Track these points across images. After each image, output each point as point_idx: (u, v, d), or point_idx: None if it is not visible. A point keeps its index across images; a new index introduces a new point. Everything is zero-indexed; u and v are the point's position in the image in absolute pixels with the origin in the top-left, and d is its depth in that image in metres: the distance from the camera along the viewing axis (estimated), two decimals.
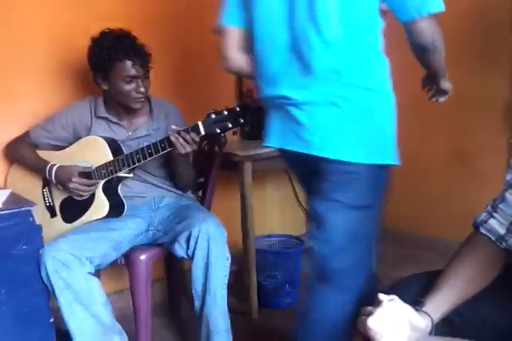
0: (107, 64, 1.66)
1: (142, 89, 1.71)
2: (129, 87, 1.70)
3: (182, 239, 1.63)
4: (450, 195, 2.70)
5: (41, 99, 2.00)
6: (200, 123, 1.57)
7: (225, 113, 1.54)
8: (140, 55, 1.68)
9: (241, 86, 2.56)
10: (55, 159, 1.78)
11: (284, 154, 1.41)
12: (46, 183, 1.82)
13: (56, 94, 2.03)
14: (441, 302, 0.92)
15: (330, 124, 1.24)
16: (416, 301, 0.92)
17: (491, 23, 2.38)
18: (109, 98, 1.79)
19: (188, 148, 1.59)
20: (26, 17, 1.94)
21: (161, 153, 1.62)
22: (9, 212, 1.46)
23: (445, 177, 2.74)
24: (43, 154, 1.82)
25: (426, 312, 0.89)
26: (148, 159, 1.64)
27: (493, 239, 1.01)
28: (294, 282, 2.30)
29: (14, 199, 1.62)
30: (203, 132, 1.57)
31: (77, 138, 1.81)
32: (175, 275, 2.19)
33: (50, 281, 1.48)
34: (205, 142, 2.00)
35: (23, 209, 1.48)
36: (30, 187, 1.83)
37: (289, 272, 2.28)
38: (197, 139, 1.59)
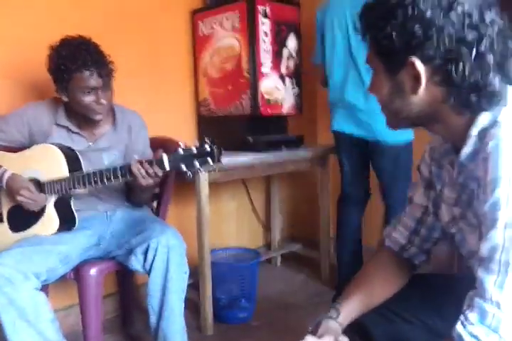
0: (65, 74, 1.57)
1: (103, 101, 1.62)
2: (88, 99, 1.61)
3: (139, 251, 1.58)
4: None
5: None
6: (165, 158, 1.46)
7: (194, 150, 1.44)
8: (98, 64, 1.59)
9: (197, 95, 2.54)
10: (7, 162, 1.67)
11: (347, 137, 2.23)
12: None
13: (9, 96, 1.94)
14: (350, 310, 1.03)
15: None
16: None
17: None
18: (70, 108, 1.71)
19: (150, 181, 1.51)
20: None
21: (120, 180, 1.54)
22: None
23: None
24: None
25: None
26: (106, 184, 1.56)
27: (396, 250, 1.11)
28: (250, 296, 2.28)
29: None
30: (167, 167, 1.46)
31: (32, 141, 1.71)
32: (127, 289, 2.12)
33: None
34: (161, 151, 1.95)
35: None
36: None
37: (245, 286, 2.25)
38: (160, 174, 1.50)
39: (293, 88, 2.41)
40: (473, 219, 0.86)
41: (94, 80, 1.59)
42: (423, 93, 0.81)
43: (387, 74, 0.84)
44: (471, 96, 0.78)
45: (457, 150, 0.87)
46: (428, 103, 0.82)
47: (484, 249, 0.77)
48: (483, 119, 0.80)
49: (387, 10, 0.78)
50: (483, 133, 0.80)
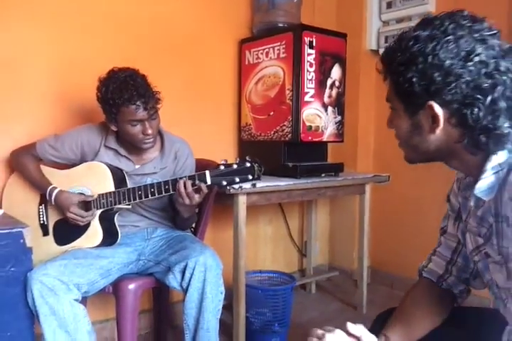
0: (113, 108, 1.64)
1: (149, 131, 1.68)
2: (135, 130, 1.67)
3: (177, 269, 1.61)
4: None
5: (38, 122, 2.00)
6: (207, 173, 1.54)
7: (235, 166, 1.50)
8: (145, 97, 1.63)
9: (240, 121, 2.61)
10: (57, 178, 1.76)
11: None
12: (43, 201, 1.79)
13: (53, 118, 2.04)
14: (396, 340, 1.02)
15: None
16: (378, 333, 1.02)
17: None
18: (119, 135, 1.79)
19: (192, 196, 1.55)
20: (29, 38, 1.97)
21: (164, 195, 1.61)
22: (0, 232, 1.44)
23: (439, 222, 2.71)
24: (45, 170, 1.81)
25: None
26: (150, 198, 1.63)
27: (434, 280, 1.13)
28: (283, 321, 2.26)
29: (6, 220, 1.60)
30: (209, 182, 1.54)
31: (82, 160, 1.80)
32: (162, 306, 2.15)
33: (35, 306, 1.45)
34: None
35: (15, 230, 1.46)
36: (27, 200, 1.82)
37: (279, 310, 2.23)
38: (203, 188, 1.54)
39: (335, 117, 2.43)
40: (498, 256, 0.88)
41: (140, 113, 1.63)
42: (440, 133, 0.86)
43: (407, 113, 0.89)
44: (480, 138, 0.82)
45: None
46: (445, 141, 0.87)
47: None
48: (499, 157, 0.84)
49: (409, 57, 0.83)
50: (508, 172, 0.82)
